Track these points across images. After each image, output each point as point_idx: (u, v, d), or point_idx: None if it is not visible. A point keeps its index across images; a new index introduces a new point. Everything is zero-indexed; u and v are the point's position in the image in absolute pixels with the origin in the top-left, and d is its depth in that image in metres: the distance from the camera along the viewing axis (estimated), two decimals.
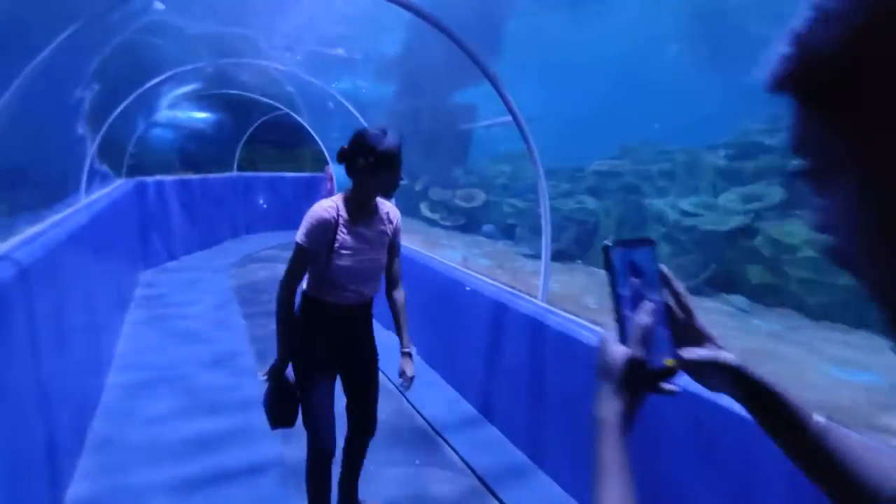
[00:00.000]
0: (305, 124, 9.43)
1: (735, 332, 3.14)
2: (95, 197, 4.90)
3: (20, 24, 2.28)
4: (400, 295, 2.23)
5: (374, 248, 2.02)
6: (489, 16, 5.75)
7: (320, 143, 9.48)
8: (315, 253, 1.91)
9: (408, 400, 3.72)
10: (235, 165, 11.02)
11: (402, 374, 2.16)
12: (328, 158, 9.59)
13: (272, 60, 5.77)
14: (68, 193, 4.14)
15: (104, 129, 4.85)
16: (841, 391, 2.29)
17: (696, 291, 3.82)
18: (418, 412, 3.57)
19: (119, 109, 5.03)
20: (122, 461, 2.80)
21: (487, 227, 6.45)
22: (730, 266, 3.85)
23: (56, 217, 3.40)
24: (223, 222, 10.03)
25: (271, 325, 5.52)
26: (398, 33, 5.62)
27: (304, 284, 2.05)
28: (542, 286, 3.24)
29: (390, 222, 2.09)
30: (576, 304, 3.34)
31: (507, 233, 6.26)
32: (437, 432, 3.33)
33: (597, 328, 2.70)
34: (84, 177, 4.48)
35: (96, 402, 3.38)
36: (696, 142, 5.10)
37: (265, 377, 2.05)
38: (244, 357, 4.34)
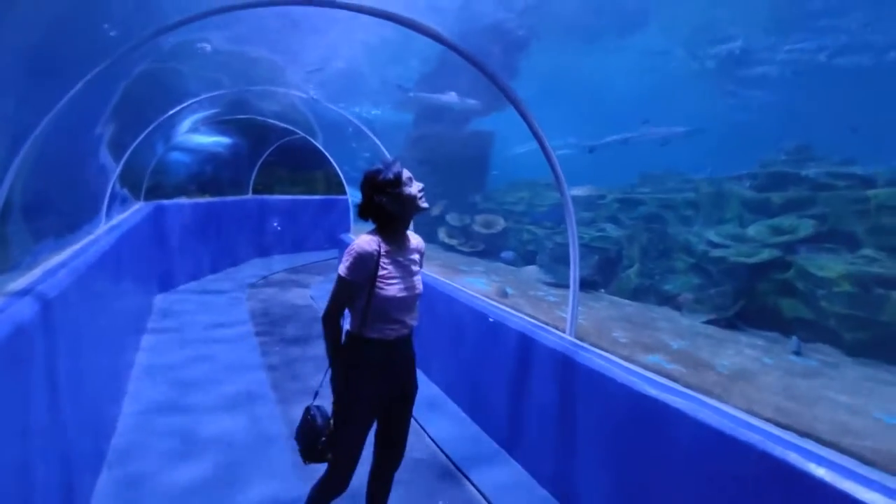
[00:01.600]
0: (321, 148, 9.52)
1: (773, 370, 3.02)
2: (115, 222, 4.91)
3: (49, 61, 2.29)
4: None
5: (413, 276, 2.09)
6: (508, 45, 5.80)
7: (336, 166, 9.56)
8: (357, 286, 1.94)
9: (429, 435, 3.61)
10: (251, 188, 11.11)
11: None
12: (343, 181, 9.66)
13: (293, 88, 5.83)
14: (90, 219, 4.15)
15: (126, 155, 4.89)
16: (895, 439, 2.16)
17: (729, 325, 3.71)
18: (439, 448, 3.46)
19: (142, 136, 5.08)
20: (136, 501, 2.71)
21: (507, 254, 6.38)
22: (762, 299, 3.73)
23: (77, 246, 3.39)
24: (238, 245, 10.05)
25: (287, 352, 5.47)
26: (418, 61, 5.69)
27: (347, 324, 2.05)
28: (570, 320, 3.15)
29: (419, 251, 2.18)
30: (604, 338, 3.24)
31: (527, 259, 6.20)
32: (459, 469, 3.21)
33: (630, 366, 2.60)
34: (105, 202, 4.49)
35: (111, 436, 3.31)
36: (717, 171, 5.05)
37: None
38: (260, 387, 4.26)
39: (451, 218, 7.37)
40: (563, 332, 3.19)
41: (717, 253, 4.05)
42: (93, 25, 2.68)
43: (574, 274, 3.15)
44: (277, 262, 10.15)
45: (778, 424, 2.04)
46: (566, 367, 2.86)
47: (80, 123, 3.38)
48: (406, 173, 2.01)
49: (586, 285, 4.93)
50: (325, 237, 11.48)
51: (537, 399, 3.12)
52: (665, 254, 4.49)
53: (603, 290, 4.92)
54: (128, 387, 4.07)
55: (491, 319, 3.66)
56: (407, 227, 2.10)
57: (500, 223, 6.73)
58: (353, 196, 9.00)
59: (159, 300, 6.92)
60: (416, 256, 2.13)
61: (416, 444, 3.46)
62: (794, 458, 1.78)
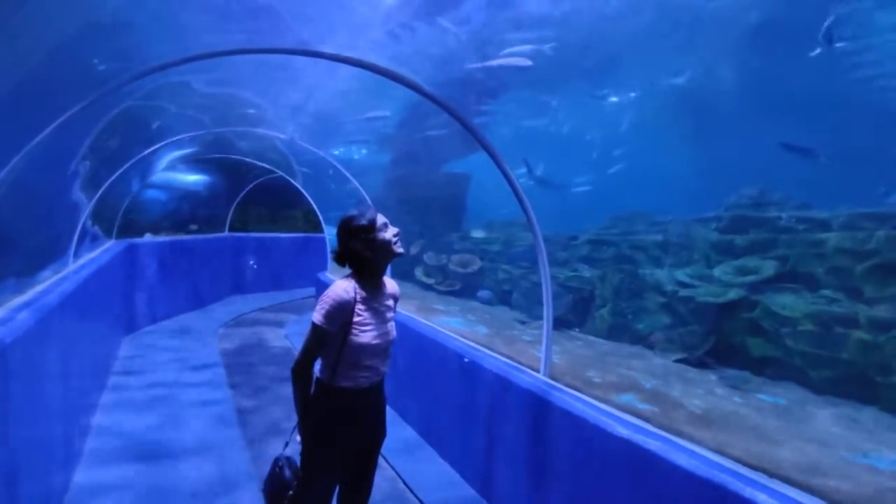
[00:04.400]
0: (300, 187, 9.55)
1: (741, 408, 3.06)
2: (82, 262, 4.79)
3: (26, 98, 2.29)
4: None
5: (387, 322, 2.05)
6: (482, 91, 6.04)
7: (314, 204, 9.58)
8: (333, 334, 1.90)
9: (404, 482, 3.50)
10: (228, 226, 11.01)
11: None
12: (321, 220, 9.66)
13: (274, 129, 5.91)
14: (57, 258, 4.05)
15: (100, 192, 4.83)
16: (863, 478, 2.19)
17: (700, 364, 3.77)
18: (414, 494, 3.35)
19: (116, 174, 5.04)
20: None
21: (483, 293, 6.42)
22: (730, 338, 3.82)
23: (40, 287, 3.29)
24: (213, 283, 9.87)
25: (260, 397, 5.29)
26: (396, 105, 5.86)
27: (317, 372, 2.00)
28: (543, 360, 3.16)
29: (394, 297, 2.15)
30: (578, 378, 3.26)
31: (503, 298, 6.24)
32: None
33: (603, 406, 2.61)
34: (74, 241, 4.39)
35: (65, 492, 3.13)
36: (684, 214, 5.26)
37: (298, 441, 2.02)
38: (230, 432, 4.11)
39: (429, 257, 7.42)
40: (538, 371, 3.19)
41: (685, 293, 4.16)
42: (74, 67, 2.71)
43: (547, 314, 3.19)
44: (254, 300, 9.96)
45: (748, 465, 2.06)
46: (542, 408, 2.85)
47: (55, 161, 3.35)
48: (381, 219, 1.99)
49: (561, 324, 4.97)
50: (302, 275, 11.36)
51: (514, 442, 3.08)
52: (637, 293, 4.58)
53: (577, 329, 4.96)
54: (86, 439, 3.88)
55: (466, 360, 3.64)
56: (383, 273, 2.06)
57: (477, 263, 6.79)
58: (331, 234, 8.98)
59: (128, 341, 6.69)
60: (390, 302, 2.10)
61: (391, 495, 3.35)
62: (763, 499, 1.79)
